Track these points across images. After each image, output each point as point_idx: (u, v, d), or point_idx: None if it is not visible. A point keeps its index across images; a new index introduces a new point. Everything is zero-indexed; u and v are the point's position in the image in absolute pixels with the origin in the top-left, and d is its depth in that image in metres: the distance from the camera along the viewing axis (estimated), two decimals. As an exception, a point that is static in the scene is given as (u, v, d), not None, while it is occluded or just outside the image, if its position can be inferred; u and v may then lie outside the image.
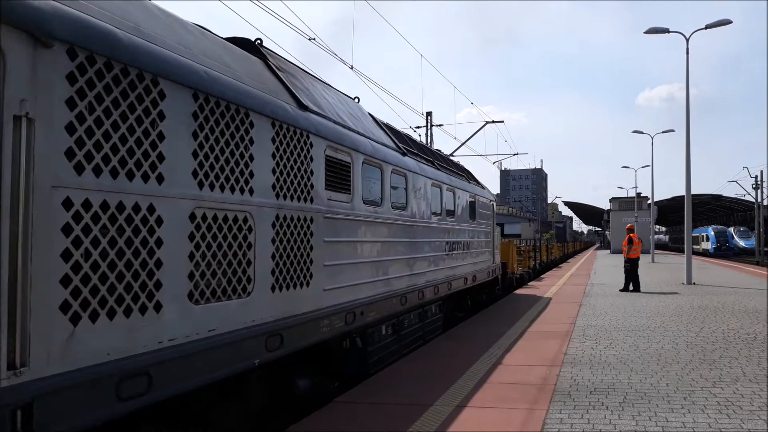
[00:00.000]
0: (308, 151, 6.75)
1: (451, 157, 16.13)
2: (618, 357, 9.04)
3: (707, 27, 23.70)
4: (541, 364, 8.64)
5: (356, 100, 10.09)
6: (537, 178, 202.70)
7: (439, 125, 38.71)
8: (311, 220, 6.74)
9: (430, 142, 39.12)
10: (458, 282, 13.01)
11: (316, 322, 6.75)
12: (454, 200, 12.98)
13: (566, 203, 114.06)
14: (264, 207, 5.89)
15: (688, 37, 24.32)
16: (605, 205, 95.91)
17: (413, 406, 6.67)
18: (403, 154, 10.16)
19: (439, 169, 12.28)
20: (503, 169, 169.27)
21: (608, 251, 71.06)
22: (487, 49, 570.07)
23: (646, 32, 24.89)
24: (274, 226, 6.05)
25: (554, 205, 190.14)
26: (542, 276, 27.93)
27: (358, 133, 8.36)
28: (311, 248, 6.73)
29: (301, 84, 7.54)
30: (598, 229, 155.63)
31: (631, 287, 19.54)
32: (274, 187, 6.07)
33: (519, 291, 20.06)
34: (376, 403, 6.82)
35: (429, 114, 39.35)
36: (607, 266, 34.05)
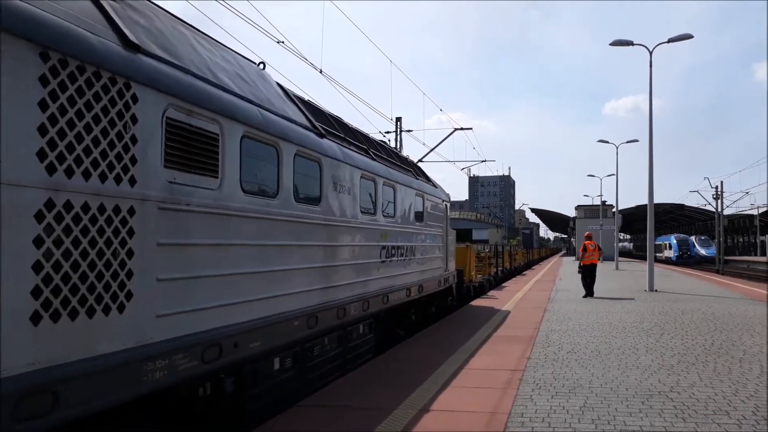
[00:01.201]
0: (128, 107, 4.32)
1: (399, 153, 13.67)
2: (580, 362, 8.90)
3: (670, 41, 23.38)
4: (504, 368, 8.43)
5: (261, 66, 7.70)
6: (505, 184, 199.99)
7: (409, 131, 37.65)
8: (131, 211, 4.31)
9: (400, 148, 37.98)
10: (399, 294, 10.63)
11: (135, 366, 4.31)
12: (395, 197, 10.61)
13: (533, 210, 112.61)
14: (17, 186, 3.46)
15: (651, 50, 23.88)
16: (571, 213, 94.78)
17: (376, 410, 6.38)
18: (320, 136, 7.76)
19: (375, 160, 9.91)
20: (472, 175, 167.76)
21: (574, 258, 69.74)
22: (457, 57, 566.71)
23: (611, 44, 24.42)
24: (42, 217, 3.62)
25: (521, 212, 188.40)
26: (504, 284, 25.51)
27: (239, 96, 5.96)
28: (129, 254, 4.29)
29: (146, 22, 5.10)
30: (564, 236, 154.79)
31: (593, 293, 19.47)
32: (42, 155, 3.63)
33: (476, 302, 17.63)
34: (338, 407, 6.53)
35: (398, 119, 37.58)
36: (572, 273, 31.88)
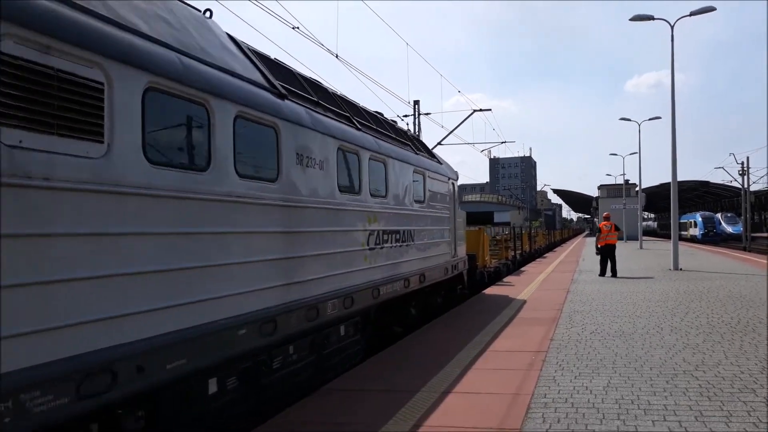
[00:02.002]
0: None
1: (391, 122, 11.97)
2: (603, 342, 8.66)
3: (692, 14, 22.48)
4: (527, 350, 8.20)
5: (206, 14, 6.16)
6: (526, 166, 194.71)
7: (427, 114, 36.73)
8: None
9: (418, 131, 36.40)
10: (394, 286, 9.08)
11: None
12: (387, 174, 9.04)
13: (555, 191, 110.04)
14: None
15: (672, 24, 22.99)
16: (594, 193, 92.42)
17: (399, 392, 6.23)
18: (280, 96, 6.22)
19: (360, 130, 8.34)
20: (492, 157, 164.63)
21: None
22: (474, 37, 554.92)
23: (631, 19, 23.68)
24: None
25: (543, 193, 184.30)
26: (523, 268, 23.63)
27: (149, 38, 4.44)
28: None
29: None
30: (587, 216, 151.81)
31: (608, 273, 19.06)
32: None
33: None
34: (361, 390, 6.39)
35: (416, 102, 36.75)
36: (595, 254, 30.44)
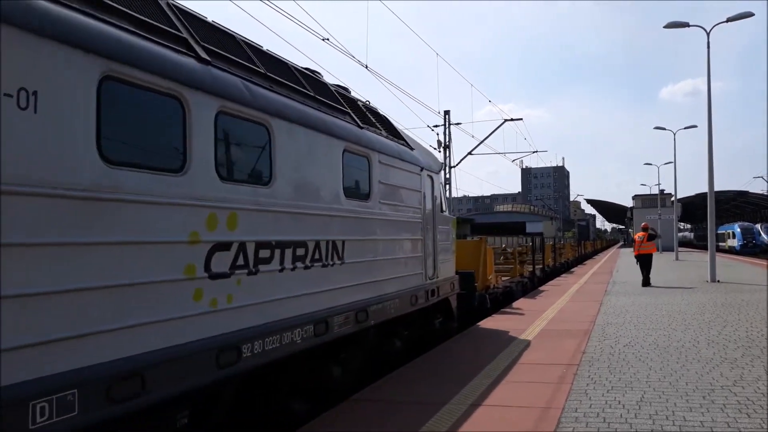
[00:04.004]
0: None
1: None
2: (637, 355, 8.03)
3: (728, 20, 20.92)
4: (558, 363, 7.58)
5: None
6: (559, 175, 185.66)
7: (458, 124, 35.14)
8: None
9: (449, 141, 34.99)
10: (288, 337, 5.14)
11: None
12: (272, 146, 5.10)
13: (588, 201, 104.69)
14: None
15: (708, 31, 21.56)
16: (629, 203, 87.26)
17: (428, 404, 5.88)
18: None
19: (209, 63, 4.52)
20: (524, 167, 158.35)
21: (632, 249, 62.41)
22: (508, 46, 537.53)
23: (665, 26, 22.02)
24: None
25: (577, 203, 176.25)
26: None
27: None
28: None
29: None
30: (621, 227, 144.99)
31: (648, 283, 18.45)
32: None
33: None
34: (390, 401, 6.05)
35: (447, 113, 35.50)
36: (630, 264, 28.03)
